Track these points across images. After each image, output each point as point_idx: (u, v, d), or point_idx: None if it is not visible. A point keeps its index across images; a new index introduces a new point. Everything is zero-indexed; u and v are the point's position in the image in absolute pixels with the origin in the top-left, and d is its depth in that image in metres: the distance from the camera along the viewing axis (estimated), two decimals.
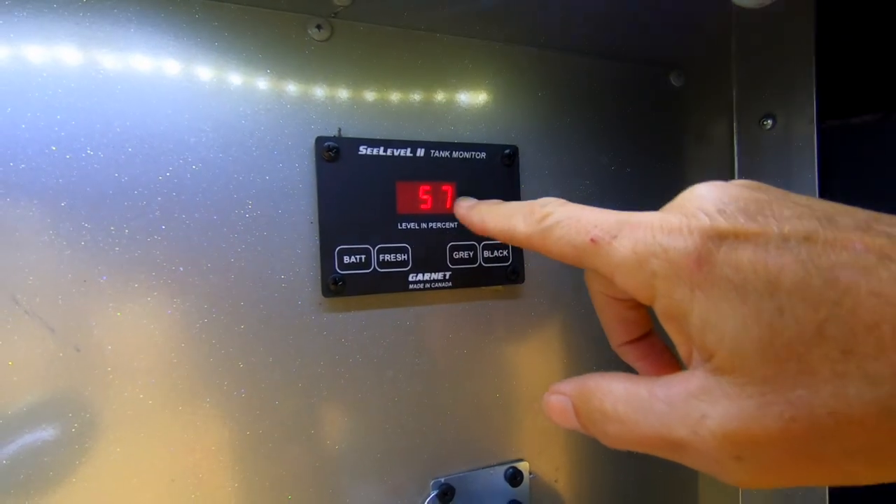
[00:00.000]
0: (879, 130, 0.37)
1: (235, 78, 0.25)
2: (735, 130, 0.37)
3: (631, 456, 0.33)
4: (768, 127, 0.35)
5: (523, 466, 0.30)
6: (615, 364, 0.30)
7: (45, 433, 0.22)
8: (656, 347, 0.20)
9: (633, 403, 0.14)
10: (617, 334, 0.20)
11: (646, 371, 0.20)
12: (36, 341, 0.22)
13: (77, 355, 0.22)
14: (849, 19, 0.37)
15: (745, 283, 0.12)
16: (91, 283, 0.22)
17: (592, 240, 0.16)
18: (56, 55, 0.22)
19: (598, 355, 0.32)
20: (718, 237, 0.13)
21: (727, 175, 0.37)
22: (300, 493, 0.26)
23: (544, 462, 0.31)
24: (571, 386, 0.17)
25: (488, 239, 0.29)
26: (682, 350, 0.15)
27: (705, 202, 0.14)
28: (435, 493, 0.28)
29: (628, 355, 0.20)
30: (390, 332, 0.28)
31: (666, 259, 0.13)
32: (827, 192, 0.33)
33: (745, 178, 0.36)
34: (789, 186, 0.33)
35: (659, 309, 0.14)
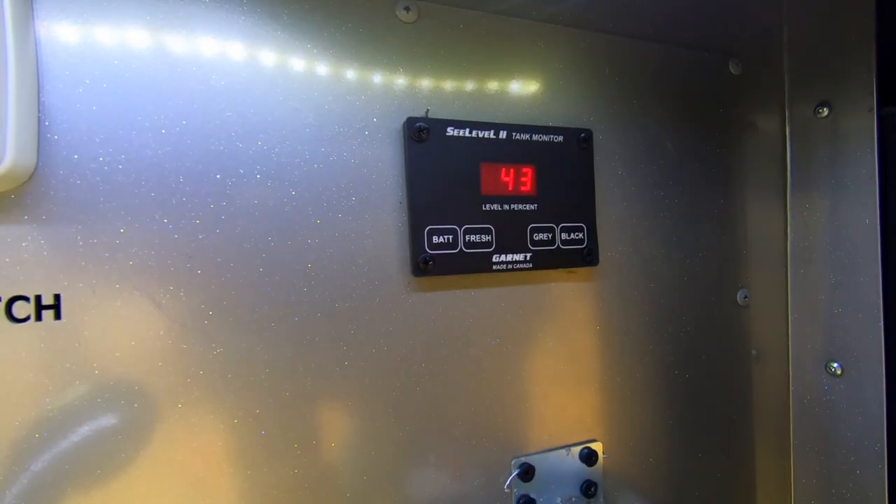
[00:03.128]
0: None
1: (326, 59, 0.25)
2: (787, 118, 0.38)
3: (700, 435, 0.34)
4: (824, 115, 0.36)
5: (597, 447, 0.30)
6: (680, 343, 0.30)
7: (155, 399, 0.22)
8: None
9: None
10: None
11: None
12: (144, 316, 0.22)
13: (182, 331, 0.22)
14: None
15: None
16: (195, 258, 0.22)
17: None
18: (162, 43, 0.22)
19: (665, 337, 0.33)
20: None
21: (780, 161, 0.37)
22: (388, 465, 0.26)
23: (617, 442, 0.31)
24: None
25: (566, 220, 0.29)
26: None
27: None
28: (517, 472, 0.28)
29: None
30: (474, 311, 0.28)
31: None
32: (886, 178, 0.33)
33: (799, 165, 0.37)
34: (845, 174, 0.34)
35: None
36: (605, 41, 0.32)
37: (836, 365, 0.36)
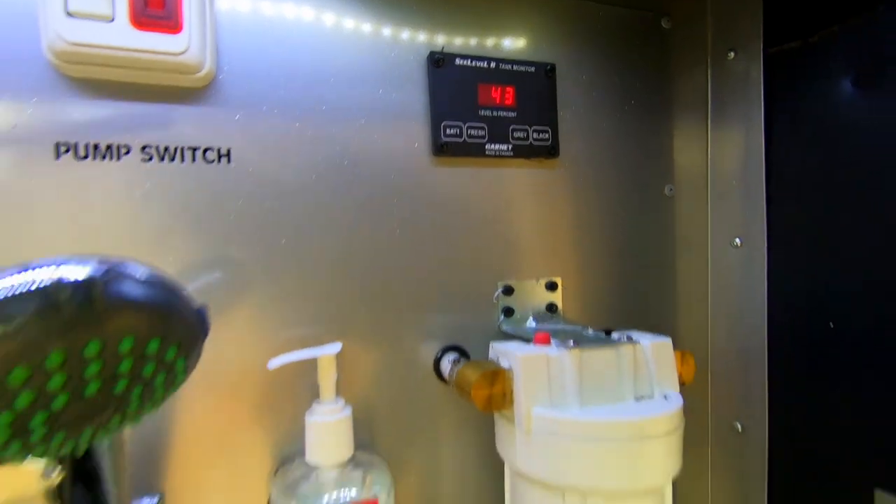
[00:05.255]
0: (811, 53, 0.50)
1: (373, 13, 0.40)
2: (709, 62, 0.51)
3: (636, 279, 0.48)
4: (731, 58, 0.49)
5: (558, 280, 0.45)
6: (619, 220, 0.45)
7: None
8: None
9: None
10: None
11: None
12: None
13: (263, 202, 0.37)
14: None
15: None
16: (289, 149, 0.37)
17: None
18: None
19: (609, 214, 0.47)
20: None
21: (703, 109, 0.51)
22: (410, 297, 0.41)
23: (573, 280, 0.46)
24: None
25: (536, 124, 0.43)
26: None
27: None
28: (502, 289, 0.43)
29: None
30: (473, 183, 0.42)
31: None
32: (770, 112, 0.46)
33: (717, 111, 0.49)
34: (748, 109, 0.47)
35: None
36: (566, 4, 0.46)
37: (737, 240, 0.49)
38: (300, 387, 0.36)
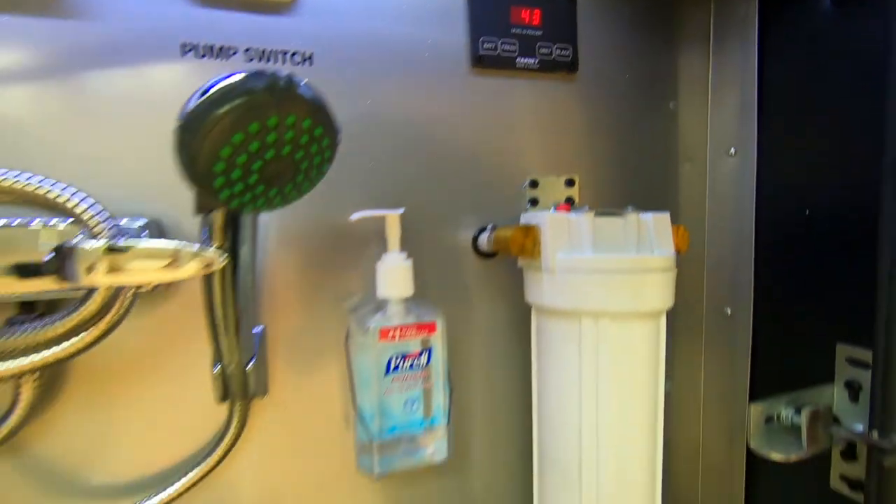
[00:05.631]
0: None
1: None
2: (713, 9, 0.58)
3: (642, 182, 0.56)
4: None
5: (575, 178, 0.53)
6: (627, 125, 0.53)
7: None
8: None
9: None
10: None
11: None
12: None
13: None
14: None
15: None
16: (365, 65, 0.45)
17: None
18: None
19: (621, 118, 0.55)
20: None
21: (706, 33, 0.58)
22: (452, 187, 0.49)
23: (588, 176, 0.54)
24: None
25: (559, 42, 0.51)
26: None
27: None
28: (528, 182, 0.51)
29: None
30: (508, 89, 0.50)
31: None
32: (764, 41, 0.53)
33: (717, 35, 0.56)
34: (746, 45, 0.54)
35: None
36: None
37: (732, 149, 0.57)
38: (370, 246, 0.45)
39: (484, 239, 0.48)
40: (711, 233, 0.59)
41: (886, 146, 0.39)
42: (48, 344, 0.32)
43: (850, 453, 0.48)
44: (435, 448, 0.42)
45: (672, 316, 0.59)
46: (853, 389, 0.47)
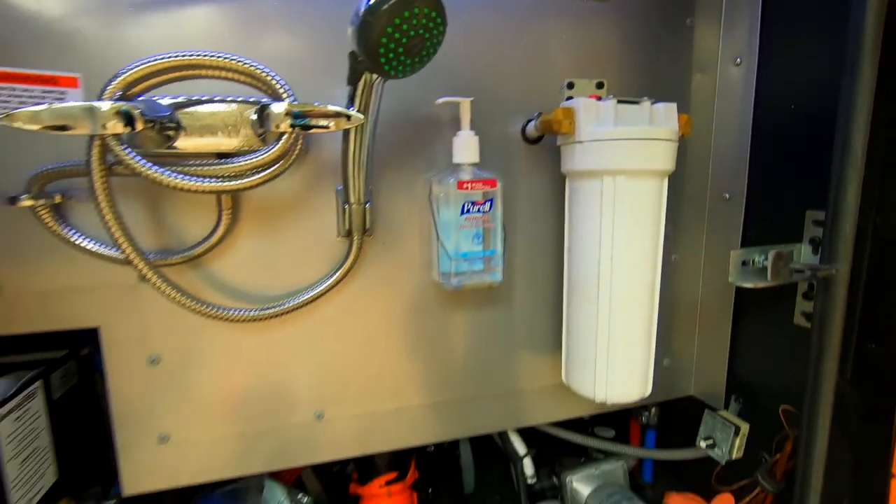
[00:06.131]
0: None
1: None
2: None
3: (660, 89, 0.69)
4: None
5: (604, 81, 0.66)
6: (651, 43, 0.64)
7: None
8: None
9: None
10: None
11: None
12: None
13: None
14: None
15: None
16: None
17: None
18: None
19: (646, 32, 0.67)
20: None
21: None
22: (506, 86, 0.63)
23: (614, 81, 0.67)
24: None
25: None
26: None
27: None
28: (566, 83, 0.65)
29: None
30: (551, 12, 0.63)
31: None
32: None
33: None
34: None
35: None
36: None
37: (738, 59, 0.68)
38: (446, 128, 0.61)
39: (531, 125, 0.62)
40: (717, 132, 0.72)
41: (847, 50, 0.51)
42: (240, 176, 0.49)
43: (808, 295, 0.63)
44: (492, 273, 0.59)
45: (683, 204, 0.73)
46: (815, 244, 0.61)
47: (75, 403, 0.62)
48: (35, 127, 0.39)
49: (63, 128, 0.40)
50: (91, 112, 0.41)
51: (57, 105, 0.40)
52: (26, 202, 0.48)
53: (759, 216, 0.68)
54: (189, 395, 0.58)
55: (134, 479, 0.58)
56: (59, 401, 0.58)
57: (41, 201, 0.49)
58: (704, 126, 0.72)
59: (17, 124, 0.38)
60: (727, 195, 0.72)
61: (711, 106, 0.72)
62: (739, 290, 0.73)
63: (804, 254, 0.62)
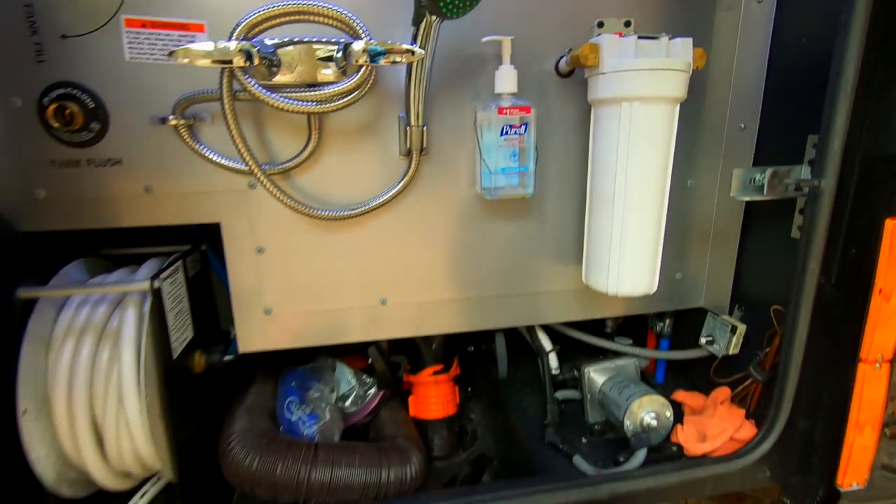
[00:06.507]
0: None
1: None
2: None
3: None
4: None
5: (632, 20, 0.75)
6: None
7: None
8: None
9: None
10: None
11: None
12: None
13: None
14: None
15: None
16: None
17: None
18: None
19: None
20: None
21: None
22: (542, 23, 0.73)
23: (641, 20, 0.75)
24: None
25: None
26: None
27: None
28: (597, 22, 0.74)
29: None
30: None
31: None
32: None
33: None
34: None
35: None
36: None
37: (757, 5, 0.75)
38: (489, 63, 0.72)
39: (563, 61, 0.73)
40: (738, 67, 0.79)
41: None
42: (327, 101, 0.63)
43: (805, 210, 0.72)
44: (525, 187, 0.72)
45: (703, 134, 0.82)
46: (813, 166, 0.69)
47: (200, 285, 0.81)
48: (206, 62, 0.54)
49: (224, 62, 0.55)
50: (227, 51, 0.56)
51: (217, 44, 0.55)
52: (173, 122, 0.65)
53: (769, 143, 0.77)
54: (286, 278, 0.75)
55: (247, 341, 0.77)
56: (192, 279, 0.76)
57: (182, 121, 0.65)
58: (726, 62, 0.80)
59: (186, 59, 0.53)
60: (742, 125, 0.80)
61: (734, 43, 0.79)
62: (747, 211, 0.82)
63: (802, 173, 0.70)
